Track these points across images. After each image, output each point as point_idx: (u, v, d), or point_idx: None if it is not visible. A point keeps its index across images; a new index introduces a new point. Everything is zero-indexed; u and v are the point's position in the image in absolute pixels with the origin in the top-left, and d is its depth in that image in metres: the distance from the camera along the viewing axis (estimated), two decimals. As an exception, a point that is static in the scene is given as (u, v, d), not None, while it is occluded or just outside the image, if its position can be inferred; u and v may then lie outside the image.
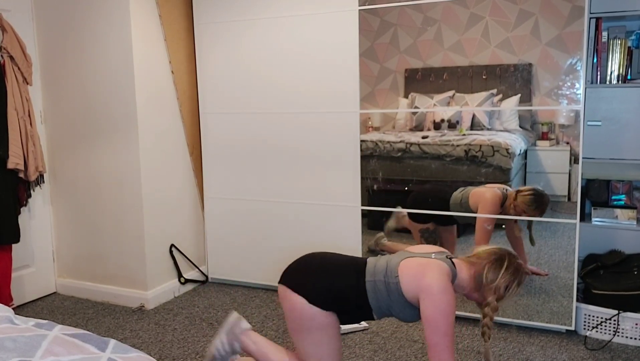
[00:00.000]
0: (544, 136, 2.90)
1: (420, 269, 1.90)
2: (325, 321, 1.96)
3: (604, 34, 2.83)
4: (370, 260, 2.04)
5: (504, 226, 2.96)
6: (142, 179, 3.28)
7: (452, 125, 3.10)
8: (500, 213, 2.92)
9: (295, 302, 1.96)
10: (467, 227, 3.08)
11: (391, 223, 3.28)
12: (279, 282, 2.06)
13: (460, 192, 3.00)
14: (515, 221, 2.92)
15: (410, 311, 1.94)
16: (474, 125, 3.09)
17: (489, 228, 2.96)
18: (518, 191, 2.89)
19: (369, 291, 1.94)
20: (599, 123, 2.87)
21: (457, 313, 2.88)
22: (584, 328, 2.82)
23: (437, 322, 1.82)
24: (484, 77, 2.95)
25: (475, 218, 2.97)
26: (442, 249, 2.03)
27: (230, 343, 2.17)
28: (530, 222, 2.89)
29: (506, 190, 2.92)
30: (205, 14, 3.50)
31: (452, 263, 1.97)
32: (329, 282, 1.97)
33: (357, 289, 1.95)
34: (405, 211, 3.16)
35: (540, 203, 2.85)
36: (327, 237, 3.34)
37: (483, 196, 2.95)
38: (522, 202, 2.87)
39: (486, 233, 2.96)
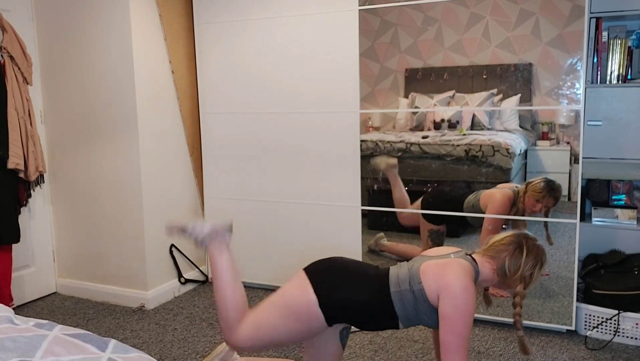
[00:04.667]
0: (544, 136, 2.90)
1: (440, 270, 1.87)
2: (315, 324, 1.93)
3: (604, 33, 2.83)
4: (392, 269, 2.00)
5: (504, 226, 2.96)
6: (142, 179, 3.28)
7: (453, 125, 3.10)
8: (513, 213, 2.90)
9: (306, 293, 1.93)
10: (468, 227, 3.08)
11: (371, 243, 3.29)
12: (304, 268, 2.02)
13: (473, 195, 2.99)
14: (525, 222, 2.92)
15: (437, 316, 1.91)
16: (474, 125, 3.09)
17: (489, 228, 2.95)
18: (528, 183, 2.87)
19: (395, 301, 1.91)
20: (599, 123, 2.86)
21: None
22: (585, 328, 2.82)
23: (453, 321, 1.79)
24: (484, 77, 2.95)
25: (484, 217, 2.97)
26: (458, 248, 2.01)
27: None
28: (546, 216, 2.87)
29: (517, 188, 2.90)
30: (205, 13, 3.50)
31: (473, 259, 1.95)
32: (349, 294, 1.93)
33: (381, 301, 1.92)
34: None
35: (552, 188, 2.82)
36: (327, 237, 3.34)
37: (492, 197, 2.93)
38: (533, 191, 2.84)
39: (490, 233, 2.95)
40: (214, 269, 2.08)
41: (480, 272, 1.94)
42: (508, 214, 2.90)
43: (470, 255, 1.97)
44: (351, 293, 1.94)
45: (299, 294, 1.95)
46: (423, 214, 3.12)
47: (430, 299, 1.88)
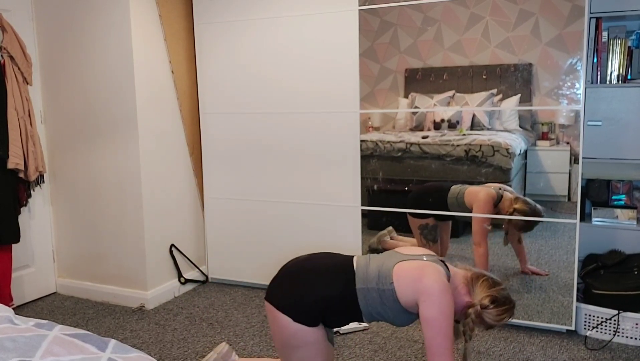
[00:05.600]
0: (544, 136, 2.90)
1: (418, 273, 1.87)
2: (312, 337, 1.91)
3: (604, 33, 2.83)
4: (359, 262, 1.98)
5: (503, 226, 2.96)
6: (142, 179, 3.28)
7: (452, 125, 3.10)
8: (495, 213, 2.92)
9: (280, 320, 1.91)
10: (466, 226, 3.08)
11: (372, 241, 3.29)
12: (265, 298, 2.01)
13: (458, 187, 3.01)
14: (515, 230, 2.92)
15: (405, 316, 1.91)
16: (474, 125, 3.09)
17: (488, 228, 2.96)
18: (514, 210, 2.88)
19: (360, 298, 1.90)
20: (599, 123, 2.87)
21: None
22: (584, 328, 2.82)
23: (439, 323, 1.79)
24: (484, 77, 2.95)
25: (471, 216, 2.97)
26: (430, 251, 2.01)
27: None
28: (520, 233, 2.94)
29: (501, 190, 2.92)
30: (205, 13, 3.50)
31: (445, 265, 1.96)
32: (314, 295, 1.90)
33: (346, 296, 1.91)
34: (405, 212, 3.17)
35: (533, 225, 2.87)
36: (327, 237, 3.34)
37: (477, 196, 2.95)
38: (515, 225, 2.89)
39: (484, 232, 2.96)
40: None
41: (451, 279, 1.94)
42: (492, 213, 2.92)
43: (442, 261, 1.97)
44: (314, 293, 1.91)
45: (276, 326, 1.94)
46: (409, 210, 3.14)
47: (403, 301, 1.87)
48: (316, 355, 1.94)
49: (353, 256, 2.03)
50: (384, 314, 1.93)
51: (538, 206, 2.85)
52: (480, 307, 1.89)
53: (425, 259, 1.93)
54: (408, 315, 1.91)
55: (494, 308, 1.89)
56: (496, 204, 2.92)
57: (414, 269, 1.89)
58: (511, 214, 2.88)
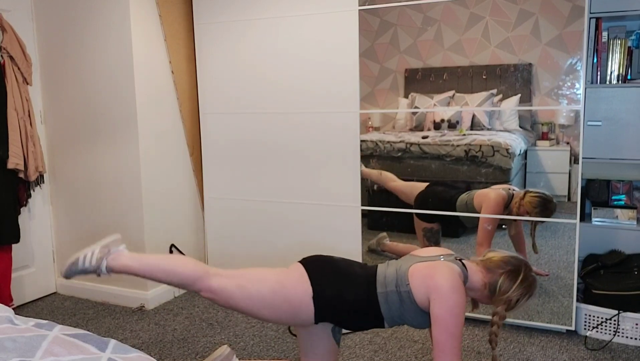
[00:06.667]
0: (544, 136, 2.90)
1: (430, 271, 1.87)
2: (302, 317, 1.93)
3: (604, 34, 2.83)
4: (380, 268, 2.00)
5: (504, 226, 2.96)
6: (142, 179, 3.28)
7: (452, 125, 3.10)
8: (505, 214, 2.91)
9: (305, 283, 1.92)
10: (464, 226, 3.08)
11: (372, 243, 3.28)
12: (300, 261, 2.03)
13: (466, 194, 3.00)
14: (517, 221, 2.92)
15: (423, 318, 1.91)
16: (474, 125, 3.09)
17: (489, 228, 2.95)
18: (527, 192, 2.87)
19: (381, 302, 1.92)
20: (599, 123, 2.86)
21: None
22: (584, 328, 2.82)
23: (446, 321, 1.79)
24: (484, 77, 2.95)
25: (479, 219, 2.97)
26: (449, 251, 2.01)
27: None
28: (534, 228, 2.89)
29: (511, 190, 2.91)
30: (205, 14, 3.50)
31: (463, 264, 1.95)
32: (339, 292, 1.93)
33: (368, 301, 1.93)
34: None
35: (545, 207, 2.84)
36: (327, 237, 3.34)
37: (487, 197, 2.94)
38: (528, 202, 2.85)
39: (488, 233, 2.96)
40: (139, 268, 2.00)
41: (469, 279, 1.93)
42: (502, 215, 2.91)
43: (460, 260, 1.96)
44: (342, 291, 1.93)
45: (297, 279, 1.94)
46: (416, 213, 3.13)
47: (418, 301, 1.87)
48: (280, 317, 1.94)
49: (377, 265, 2.05)
50: (404, 317, 1.93)
51: (547, 192, 2.84)
52: (506, 310, 1.91)
53: (442, 259, 1.93)
54: (426, 316, 1.91)
55: (521, 302, 1.92)
56: (507, 205, 2.91)
57: (426, 268, 1.89)
58: (523, 205, 2.86)
